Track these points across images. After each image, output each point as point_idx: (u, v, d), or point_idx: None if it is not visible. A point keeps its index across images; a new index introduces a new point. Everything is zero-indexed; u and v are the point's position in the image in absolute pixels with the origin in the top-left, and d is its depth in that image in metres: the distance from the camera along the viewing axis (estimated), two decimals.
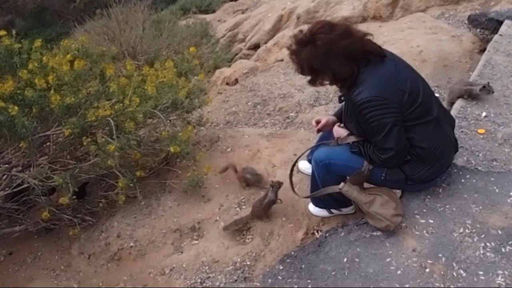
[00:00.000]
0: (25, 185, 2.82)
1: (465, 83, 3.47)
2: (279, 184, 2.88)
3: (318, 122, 2.81)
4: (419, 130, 2.38)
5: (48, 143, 3.11)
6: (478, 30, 4.74)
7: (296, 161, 2.86)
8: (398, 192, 2.66)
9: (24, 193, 2.98)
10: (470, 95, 3.38)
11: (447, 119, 2.56)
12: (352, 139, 2.53)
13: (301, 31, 2.37)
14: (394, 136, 2.30)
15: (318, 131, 2.84)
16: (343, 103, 2.59)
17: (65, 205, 2.85)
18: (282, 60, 5.62)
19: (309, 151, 3.11)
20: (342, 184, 2.49)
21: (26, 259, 2.99)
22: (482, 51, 4.32)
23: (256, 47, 7.51)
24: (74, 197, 2.82)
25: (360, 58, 2.30)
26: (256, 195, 3.09)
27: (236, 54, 7.87)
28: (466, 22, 5.07)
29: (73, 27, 9.59)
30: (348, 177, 2.51)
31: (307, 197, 2.80)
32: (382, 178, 2.50)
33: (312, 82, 2.46)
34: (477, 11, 5.30)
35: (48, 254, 3.01)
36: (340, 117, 2.70)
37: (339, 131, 2.62)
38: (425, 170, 2.48)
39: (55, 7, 16.46)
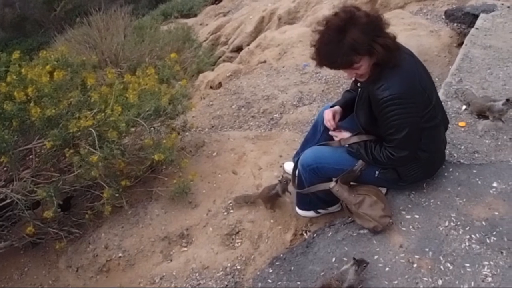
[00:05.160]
0: (8, 200, 2.79)
1: (487, 99, 3.18)
2: (287, 180, 2.84)
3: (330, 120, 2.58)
4: (426, 134, 2.37)
5: (30, 156, 3.08)
6: (455, 24, 4.80)
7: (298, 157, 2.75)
8: (383, 189, 2.67)
9: (7, 208, 2.92)
10: (492, 111, 3.09)
11: (444, 122, 2.57)
12: (355, 139, 2.49)
13: (328, 20, 2.17)
14: (413, 136, 2.28)
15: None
16: (348, 93, 2.57)
17: (50, 219, 2.81)
18: (265, 62, 5.63)
19: (294, 152, 3.12)
20: (333, 183, 2.47)
21: (13, 276, 2.96)
22: (460, 45, 4.37)
23: (239, 49, 7.51)
24: (59, 210, 2.79)
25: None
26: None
27: (219, 57, 7.87)
28: (443, 17, 5.13)
29: (54, 36, 9.52)
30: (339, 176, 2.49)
31: (302, 191, 2.67)
32: (376, 176, 2.50)
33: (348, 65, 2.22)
34: (453, 6, 5.36)
35: (35, 269, 2.97)
36: (345, 107, 2.60)
37: (342, 133, 2.57)
38: (419, 173, 2.53)
39: (35, 16, 16.32)
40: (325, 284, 2.23)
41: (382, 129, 2.33)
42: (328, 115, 2.55)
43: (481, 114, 3.15)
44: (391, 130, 2.27)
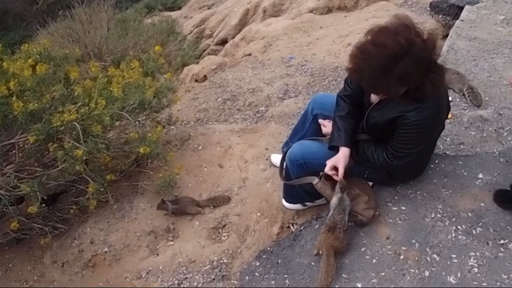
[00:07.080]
0: None
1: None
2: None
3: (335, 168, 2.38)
4: (430, 145, 2.43)
5: (13, 151, 3.02)
6: (440, 16, 4.84)
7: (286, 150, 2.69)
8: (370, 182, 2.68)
9: None
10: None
11: None
12: None
13: (385, 44, 1.92)
14: (425, 150, 2.33)
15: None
16: (342, 121, 2.42)
17: (34, 214, 2.77)
18: (250, 55, 5.60)
19: (280, 145, 3.11)
20: (316, 180, 2.44)
21: None
22: (445, 36, 4.39)
23: (223, 42, 7.47)
24: (43, 205, 2.75)
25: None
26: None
27: (204, 50, 7.82)
28: (429, 9, 5.16)
29: (36, 30, 9.37)
30: (321, 173, 2.46)
31: (287, 183, 2.65)
32: (366, 176, 2.51)
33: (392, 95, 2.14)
34: None
35: (20, 265, 2.93)
36: (350, 144, 2.39)
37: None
38: (409, 173, 2.58)
39: (17, 9, 16.00)
40: (331, 224, 2.28)
41: (395, 139, 2.25)
42: (329, 169, 2.35)
43: None
44: (408, 145, 2.23)
